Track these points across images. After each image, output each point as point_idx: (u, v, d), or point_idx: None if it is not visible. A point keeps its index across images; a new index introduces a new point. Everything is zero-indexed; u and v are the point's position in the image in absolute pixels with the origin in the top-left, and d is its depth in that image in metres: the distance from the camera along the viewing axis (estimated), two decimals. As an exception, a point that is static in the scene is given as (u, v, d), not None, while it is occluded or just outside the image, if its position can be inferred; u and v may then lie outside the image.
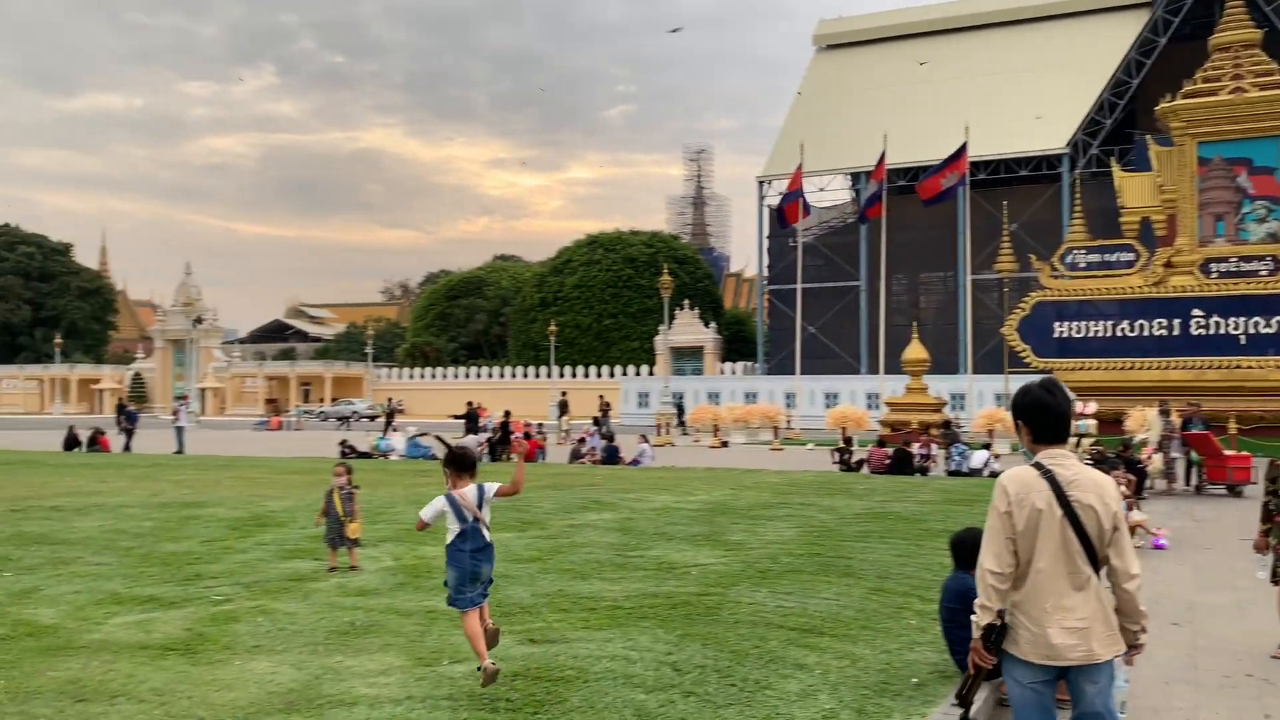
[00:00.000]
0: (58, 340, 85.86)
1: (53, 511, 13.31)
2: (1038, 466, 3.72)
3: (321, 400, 73.69)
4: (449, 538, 5.33)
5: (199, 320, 77.51)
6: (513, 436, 26.47)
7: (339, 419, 58.34)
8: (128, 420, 30.59)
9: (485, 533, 5.36)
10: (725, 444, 33.18)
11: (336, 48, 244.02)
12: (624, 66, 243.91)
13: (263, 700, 5.19)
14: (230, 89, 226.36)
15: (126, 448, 29.60)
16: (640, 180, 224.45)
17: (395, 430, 31.70)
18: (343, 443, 28.43)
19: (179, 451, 28.58)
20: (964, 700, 4.00)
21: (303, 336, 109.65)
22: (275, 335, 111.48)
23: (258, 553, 9.98)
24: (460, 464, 5.44)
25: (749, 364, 65.88)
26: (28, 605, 7.50)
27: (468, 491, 5.34)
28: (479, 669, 5.22)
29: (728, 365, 64.92)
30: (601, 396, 39.28)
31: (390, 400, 52.79)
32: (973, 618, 3.72)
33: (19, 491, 16.31)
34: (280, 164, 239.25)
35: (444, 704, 5.11)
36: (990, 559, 3.67)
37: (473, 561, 5.29)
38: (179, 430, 29.96)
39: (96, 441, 29.65)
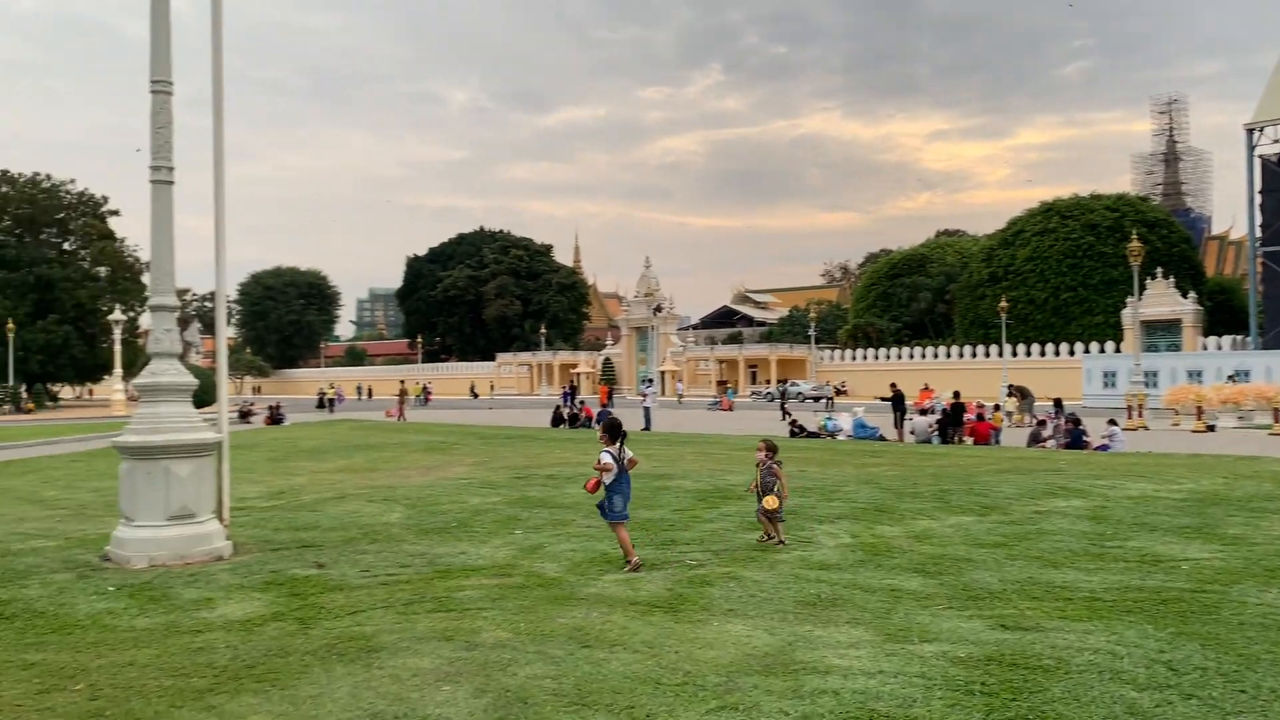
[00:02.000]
0: (543, 330, 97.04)
1: (548, 479, 15.08)
2: None
3: (768, 382, 76.27)
4: (609, 479, 8.10)
5: (658, 309, 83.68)
6: (966, 419, 25.57)
7: (772, 398, 59.84)
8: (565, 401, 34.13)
9: (628, 475, 8.28)
10: (1210, 428, 29.53)
11: (780, 39, 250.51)
12: (1081, 19, 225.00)
13: (741, 660, 5.48)
14: (682, 91, 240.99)
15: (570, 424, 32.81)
16: (1099, 140, 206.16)
17: (831, 410, 31.94)
18: (793, 422, 29.20)
19: (646, 429, 31.04)
20: None
21: (748, 321, 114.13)
22: (724, 321, 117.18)
23: (722, 523, 10.57)
24: (614, 431, 8.32)
25: (1238, 338, 58.07)
26: (536, 559, 8.57)
27: (620, 451, 8.18)
28: (627, 564, 8.02)
29: (1211, 339, 57.69)
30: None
31: (829, 382, 53.22)
32: None
33: (520, 461, 18.70)
34: (726, 158, 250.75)
35: (917, 681, 5.07)
36: None
37: (628, 491, 8.24)
38: (646, 410, 32.58)
39: (579, 417, 33.21)
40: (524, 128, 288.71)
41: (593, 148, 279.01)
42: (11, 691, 5.05)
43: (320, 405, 58.59)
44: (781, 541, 9.12)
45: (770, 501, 9.21)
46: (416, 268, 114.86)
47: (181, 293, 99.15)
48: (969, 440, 24.71)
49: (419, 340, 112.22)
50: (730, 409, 50.70)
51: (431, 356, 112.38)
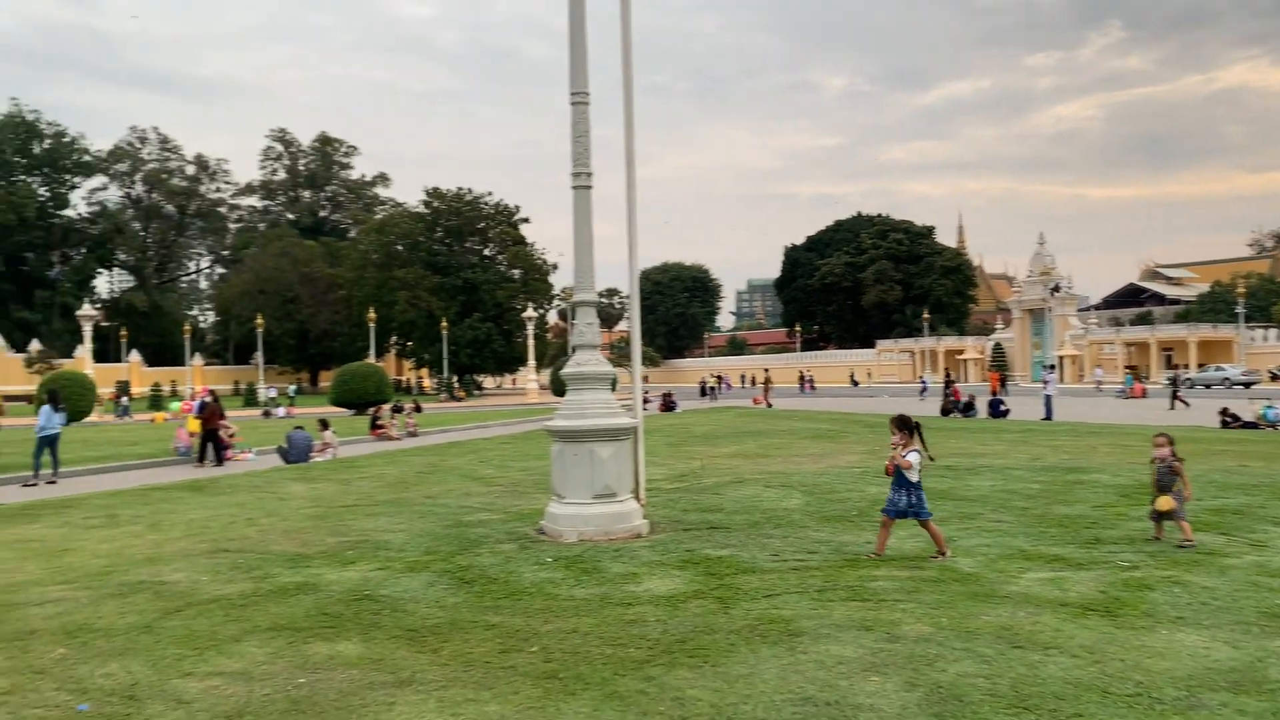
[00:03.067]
0: (925, 315, 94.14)
1: (947, 470, 14.55)
2: None
3: (1185, 366, 68.59)
4: (914, 476, 7.90)
5: (1055, 289, 78.00)
6: None
7: (1186, 385, 53.61)
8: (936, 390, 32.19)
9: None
10: None
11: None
12: None
13: (1201, 674, 4.92)
14: (1075, 54, 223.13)
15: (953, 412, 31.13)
16: None
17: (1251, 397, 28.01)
18: (1223, 411, 26.05)
19: (1047, 418, 29.08)
20: None
21: (1159, 300, 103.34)
22: (1129, 300, 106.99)
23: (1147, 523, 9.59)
24: (909, 426, 8.10)
25: None
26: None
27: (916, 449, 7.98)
28: (940, 554, 7.92)
29: None
30: None
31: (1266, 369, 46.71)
32: None
33: (913, 451, 18.22)
34: (1128, 121, 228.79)
35: None
36: None
37: (914, 490, 7.95)
38: (1047, 398, 30.53)
39: (971, 407, 31.88)
40: (902, 108, 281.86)
41: (976, 122, 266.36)
42: (479, 649, 5.67)
43: (703, 393, 60.93)
44: (1188, 541, 8.16)
45: (1164, 502, 8.32)
46: (794, 257, 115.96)
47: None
48: None
49: (797, 329, 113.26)
50: (1143, 395, 46.22)
51: (810, 345, 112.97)
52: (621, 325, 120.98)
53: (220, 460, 21.63)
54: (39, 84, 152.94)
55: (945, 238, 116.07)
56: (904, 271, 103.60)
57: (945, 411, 33.41)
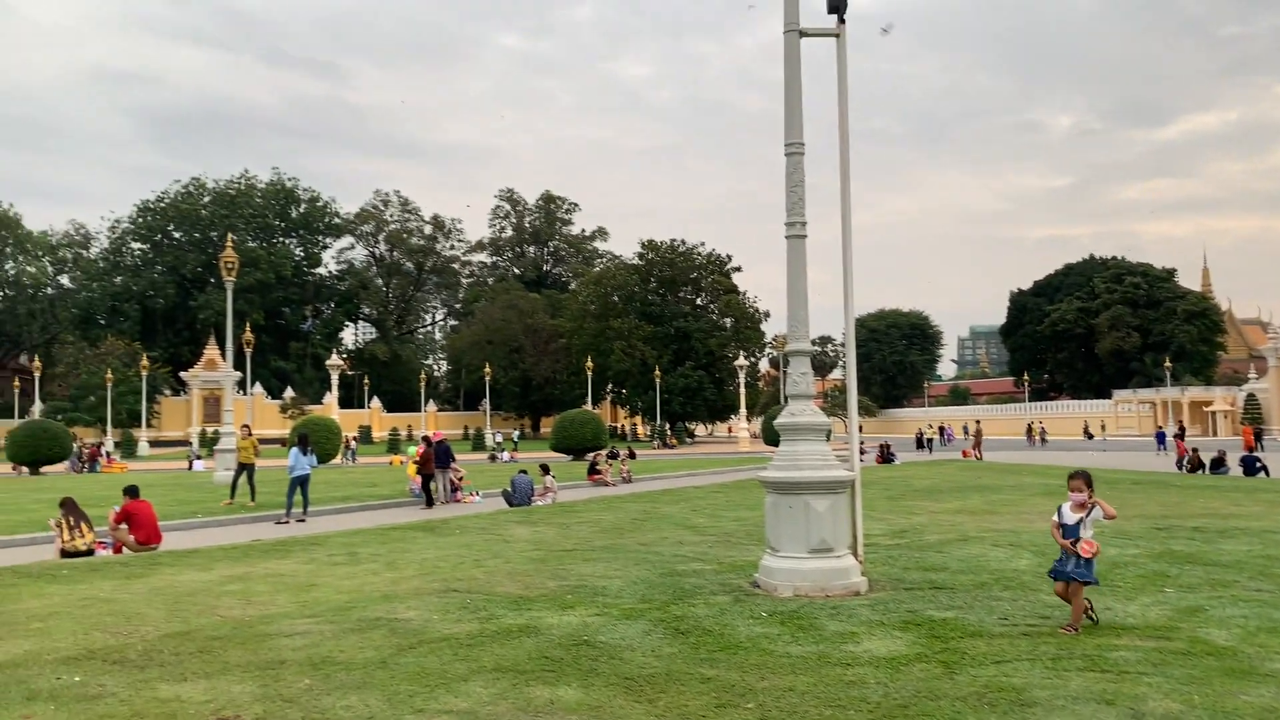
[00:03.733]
0: (1167, 364, 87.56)
1: (1195, 532, 13.40)
2: None
3: None
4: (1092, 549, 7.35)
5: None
6: None
7: None
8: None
9: None
10: None
11: None
12: None
13: None
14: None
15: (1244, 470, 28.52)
16: None
17: None
18: None
19: (1312, 477, 26.37)
20: None
21: None
22: None
23: None
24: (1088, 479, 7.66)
25: None
26: (1198, 623, 7.59)
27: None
28: (1071, 627, 7.25)
29: None
30: None
31: None
32: None
33: (1156, 510, 16.90)
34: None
35: None
36: None
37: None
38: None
39: (1221, 464, 29.33)
40: (1136, 145, 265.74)
41: (1221, 157, 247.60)
42: (695, 702, 5.66)
43: (919, 445, 58.84)
44: None
45: None
46: (1020, 302, 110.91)
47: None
48: None
49: (1025, 377, 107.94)
50: None
51: (1039, 394, 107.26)
52: (836, 373, 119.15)
53: (450, 500, 22.86)
54: (298, 153, 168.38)
55: (1188, 281, 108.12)
56: (1142, 317, 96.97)
57: (1193, 467, 30.90)
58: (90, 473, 44.77)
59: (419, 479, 24.78)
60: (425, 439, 24.73)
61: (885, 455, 41.39)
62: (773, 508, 9.33)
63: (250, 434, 23.62)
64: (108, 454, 55.64)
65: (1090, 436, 79.03)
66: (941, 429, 74.95)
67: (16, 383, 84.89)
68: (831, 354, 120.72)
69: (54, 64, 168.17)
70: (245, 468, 22.77)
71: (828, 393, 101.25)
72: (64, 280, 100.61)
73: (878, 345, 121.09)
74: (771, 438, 53.19)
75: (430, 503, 22.61)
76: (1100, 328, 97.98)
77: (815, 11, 10.01)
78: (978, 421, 66.94)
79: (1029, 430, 70.04)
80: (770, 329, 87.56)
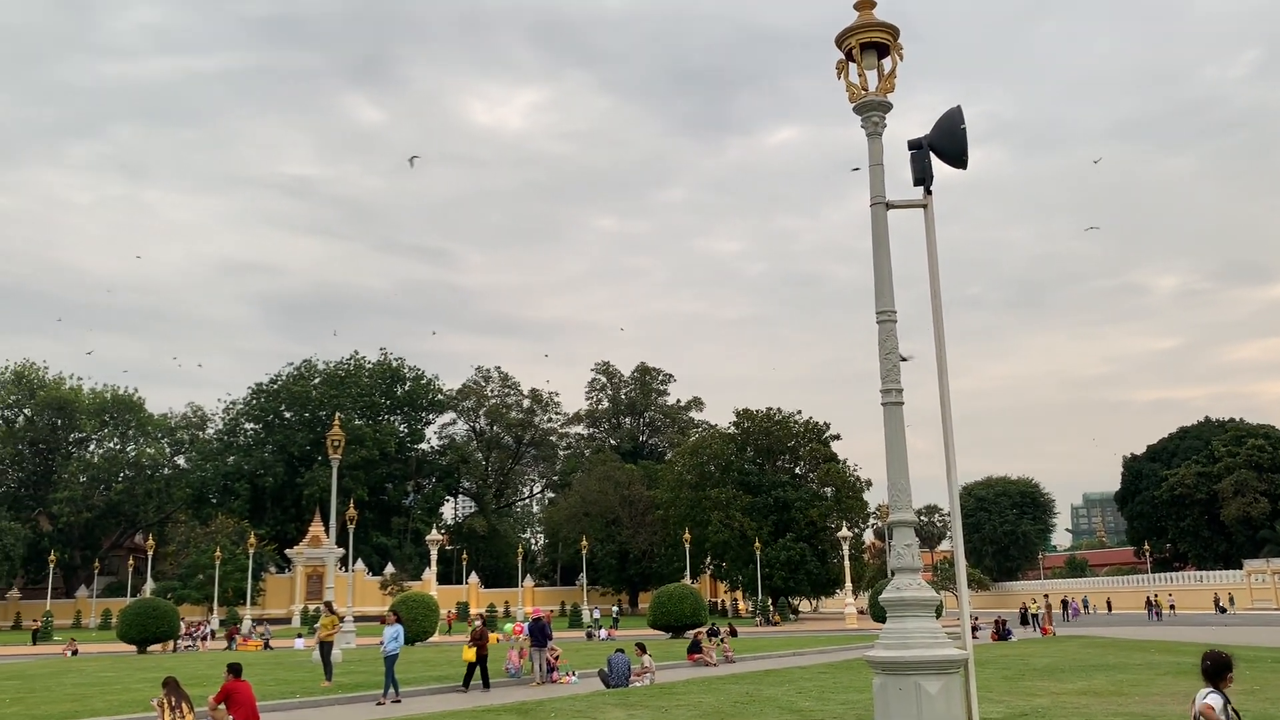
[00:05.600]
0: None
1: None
2: None
3: None
4: None
5: None
6: None
7: None
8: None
9: None
10: None
11: None
12: None
13: None
14: None
15: None
16: None
17: None
18: None
19: None
20: None
21: None
22: None
23: None
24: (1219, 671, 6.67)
25: None
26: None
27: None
28: None
29: None
30: None
31: None
32: None
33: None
34: None
35: None
36: None
37: None
38: None
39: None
40: (1246, 304, 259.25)
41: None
42: None
43: (1023, 621, 55.26)
44: None
45: None
46: (1134, 468, 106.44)
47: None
48: None
49: (1146, 547, 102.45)
50: None
51: (1163, 565, 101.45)
52: (945, 545, 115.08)
53: (546, 680, 22.35)
54: (406, 334, 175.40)
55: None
56: (1269, 481, 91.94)
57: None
58: (192, 651, 45.23)
59: (516, 658, 24.39)
60: (481, 618, 24.30)
61: (1001, 631, 39.27)
62: (881, 690, 8.82)
63: (332, 611, 23.61)
64: (212, 632, 56.34)
65: (1223, 610, 73.86)
66: (1065, 602, 70.97)
67: (131, 561, 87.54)
68: (939, 524, 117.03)
69: (183, 257, 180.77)
70: (325, 645, 22.75)
71: (936, 565, 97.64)
72: (180, 460, 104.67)
73: (987, 515, 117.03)
74: (879, 614, 50.96)
75: (466, 685, 21.73)
76: (1224, 493, 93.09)
77: (903, 183, 10.19)
78: (1045, 595, 63.96)
79: (1148, 603, 66.02)
80: (873, 498, 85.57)
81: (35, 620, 65.79)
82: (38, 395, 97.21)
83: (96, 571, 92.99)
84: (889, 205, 9.92)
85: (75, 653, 43.89)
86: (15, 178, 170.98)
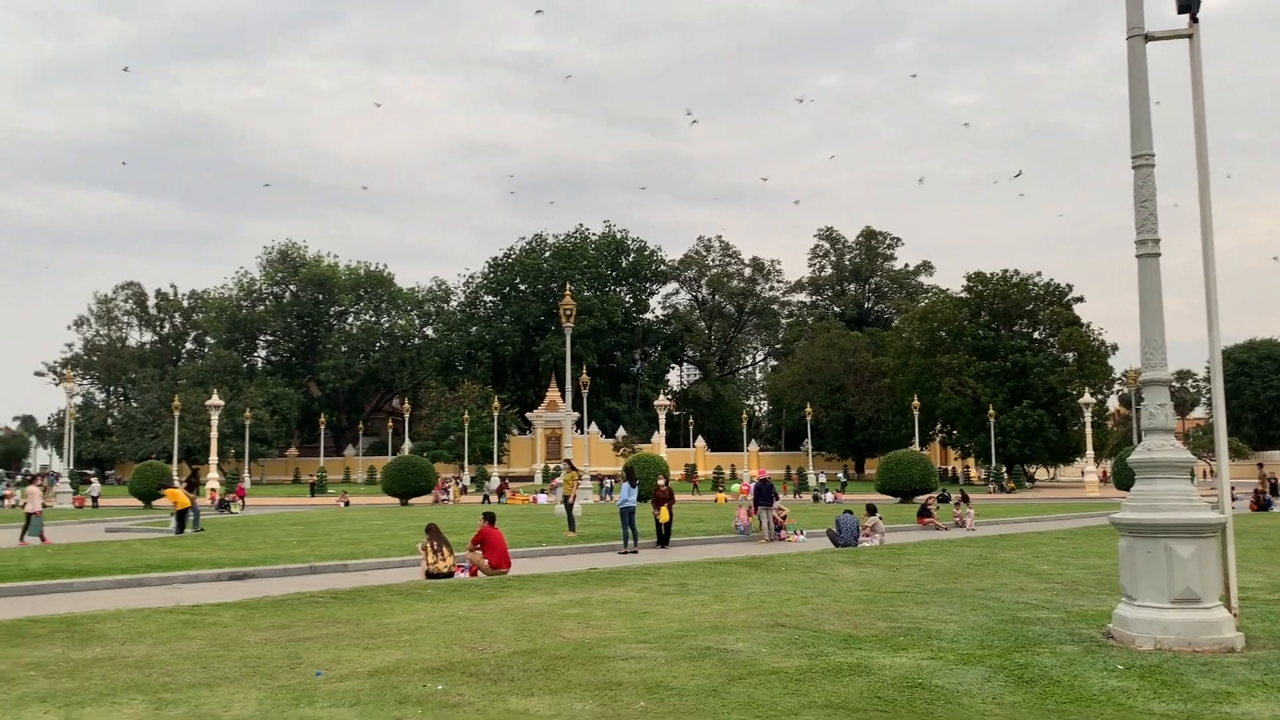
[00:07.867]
0: None
1: None
2: None
3: None
4: None
5: None
6: None
7: None
8: None
9: None
10: None
11: None
12: None
13: None
14: None
15: None
16: None
17: None
18: None
19: None
20: None
21: None
22: None
23: None
24: None
25: None
26: None
27: None
28: None
29: None
30: None
31: None
32: None
33: None
34: None
35: None
36: None
37: None
38: None
39: None
40: None
41: None
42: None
43: (1275, 492, 50.81)
44: None
45: None
46: None
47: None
48: None
49: None
50: None
51: None
52: (1198, 412, 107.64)
53: (775, 538, 22.98)
54: (632, 207, 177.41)
55: None
56: None
57: None
58: (449, 503, 49.27)
59: (744, 516, 25.11)
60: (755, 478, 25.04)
61: (1261, 501, 36.72)
62: (1128, 552, 8.53)
63: (572, 468, 24.96)
64: (465, 487, 60.97)
65: None
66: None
67: (390, 423, 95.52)
68: (1192, 389, 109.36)
69: (422, 139, 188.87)
70: (567, 499, 24.28)
71: (1188, 433, 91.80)
72: (428, 331, 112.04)
73: (1248, 379, 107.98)
74: (1124, 481, 48.62)
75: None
76: None
77: (1161, 16, 9.23)
78: (1260, 465, 58.20)
79: None
80: (1118, 364, 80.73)
81: (311, 475, 73.33)
82: (300, 273, 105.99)
83: (361, 433, 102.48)
84: (1148, 38, 9.05)
85: (347, 504, 48.72)
86: (270, 68, 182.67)
